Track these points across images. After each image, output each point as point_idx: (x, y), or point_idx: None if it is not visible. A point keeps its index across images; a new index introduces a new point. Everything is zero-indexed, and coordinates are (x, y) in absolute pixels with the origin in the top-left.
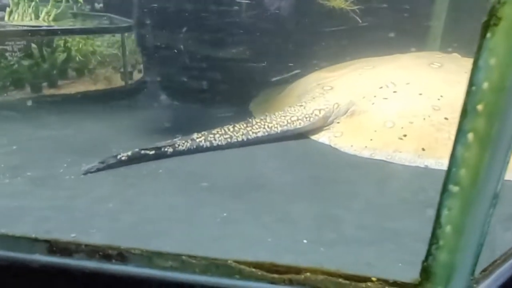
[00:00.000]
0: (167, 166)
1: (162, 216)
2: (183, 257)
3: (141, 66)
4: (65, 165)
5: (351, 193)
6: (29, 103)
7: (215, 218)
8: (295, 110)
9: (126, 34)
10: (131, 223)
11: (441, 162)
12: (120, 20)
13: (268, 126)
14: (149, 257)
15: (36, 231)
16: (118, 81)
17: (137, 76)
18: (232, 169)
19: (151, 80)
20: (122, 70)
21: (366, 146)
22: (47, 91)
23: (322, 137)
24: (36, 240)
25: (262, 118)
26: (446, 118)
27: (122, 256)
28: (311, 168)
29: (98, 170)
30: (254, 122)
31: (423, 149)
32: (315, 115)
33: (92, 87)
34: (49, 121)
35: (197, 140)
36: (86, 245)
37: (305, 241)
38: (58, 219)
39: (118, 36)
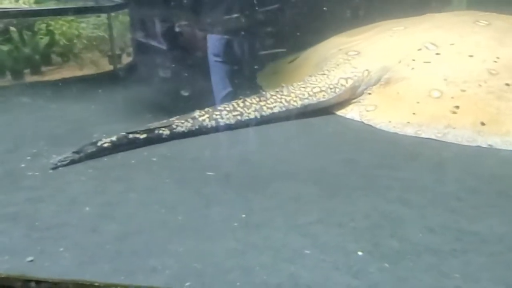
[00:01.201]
0: (162, 153)
1: (158, 222)
2: None
3: (130, 49)
4: (29, 157)
5: (403, 182)
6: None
7: (230, 222)
8: (316, 80)
9: (112, 15)
10: (115, 234)
11: (510, 141)
12: (106, 0)
13: (285, 100)
14: None
15: None
16: (105, 66)
17: (126, 59)
18: (245, 154)
19: (142, 63)
20: (110, 53)
21: (408, 122)
22: (29, 78)
23: (350, 112)
24: None
25: (277, 90)
26: (507, 84)
27: None
28: (345, 150)
29: (73, 162)
30: (268, 96)
31: (483, 124)
32: (341, 85)
33: (78, 73)
34: (18, 105)
35: (200, 118)
36: (37, 282)
37: (360, 253)
38: (10, 234)
39: (104, 18)
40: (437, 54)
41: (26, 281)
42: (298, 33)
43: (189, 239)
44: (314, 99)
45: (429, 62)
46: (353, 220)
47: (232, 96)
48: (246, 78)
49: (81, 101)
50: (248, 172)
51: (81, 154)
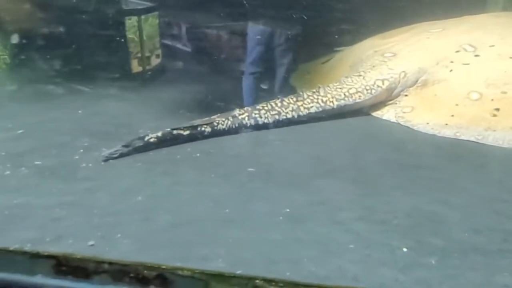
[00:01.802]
0: (205, 149)
1: (207, 214)
2: (257, 281)
3: (159, 51)
4: (82, 150)
5: (444, 183)
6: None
7: (275, 216)
8: (353, 81)
9: (142, 17)
10: (167, 224)
11: None
12: (135, 3)
13: (322, 100)
14: (205, 282)
15: (42, 237)
16: (134, 67)
17: (155, 61)
18: (284, 151)
19: (171, 65)
20: (139, 55)
21: (446, 124)
22: None
23: (387, 113)
24: (37, 255)
25: (314, 91)
26: None
27: (164, 280)
28: (384, 151)
29: (122, 155)
30: (305, 96)
31: None
32: (378, 86)
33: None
34: (62, 101)
35: (239, 117)
36: (110, 263)
37: (405, 249)
38: (72, 220)
39: (134, 20)
40: (476, 56)
41: (99, 263)
42: (333, 35)
43: (237, 231)
44: (351, 100)
45: (468, 64)
46: (396, 217)
47: (259, 77)
48: (281, 77)
49: (119, 100)
50: (289, 169)
51: (130, 148)
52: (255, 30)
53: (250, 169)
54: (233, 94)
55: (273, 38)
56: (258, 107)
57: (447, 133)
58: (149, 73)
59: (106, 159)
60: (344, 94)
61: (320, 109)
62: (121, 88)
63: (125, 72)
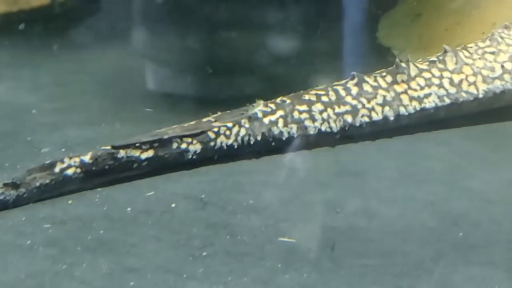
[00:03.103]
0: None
1: None
2: None
3: None
4: None
5: None
6: None
7: None
8: None
9: None
10: None
11: None
12: None
13: (450, 81)
14: None
15: None
16: None
17: None
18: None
19: None
20: None
21: None
22: None
23: None
24: None
25: (432, 60)
26: None
27: None
28: None
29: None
30: (413, 71)
31: None
32: None
33: None
34: None
35: (265, 119)
36: None
37: None
38: None
39: None
40: None
41: None
42: None
43: None
44: None
45: None
46: None
47: None
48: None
49: None
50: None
51: (20, 190)
52: None
53: None
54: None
55: None
56: (307, 96)
57: None
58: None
59: None
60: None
61: (447, 100)
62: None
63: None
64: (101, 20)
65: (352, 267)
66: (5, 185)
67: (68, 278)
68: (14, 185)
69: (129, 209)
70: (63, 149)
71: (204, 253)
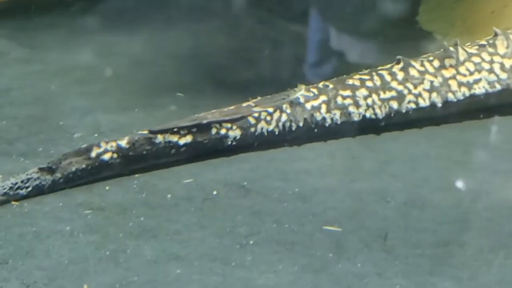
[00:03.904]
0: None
1: None
2: None
3: None
4: None
5: None
6: None
7: None
8: None
9: None
10: None
11: None
12: None
13: (502, 66)
14: None
15: None
16: None
17: None
18: None
19: None
20: None
21: None
22: None
23: None
24: None
25: (482, 44)
26: None
27: None
28: None
29: (38, 189)
30: (462, 55)
31: None
32: None
33: None
34: None
35: (307, 104)
36: None
37: None
38: None
39: None
40: None
41: None
42: None
43: None
44: None
45: None
46: None
47: None
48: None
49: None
50: None
51: (56, 175)
52: None
53: None
54: None
55: None
56: (351, 80)
57: None
58: None
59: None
60: None
61: (498, 86)
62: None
63: None
64: (126, 3)
65: (407, 257)
66: (41, 169)
67: (112, 264)
68: (50, 170)
69: (169, 196)
70: (95, 134)
71: (251, 241)
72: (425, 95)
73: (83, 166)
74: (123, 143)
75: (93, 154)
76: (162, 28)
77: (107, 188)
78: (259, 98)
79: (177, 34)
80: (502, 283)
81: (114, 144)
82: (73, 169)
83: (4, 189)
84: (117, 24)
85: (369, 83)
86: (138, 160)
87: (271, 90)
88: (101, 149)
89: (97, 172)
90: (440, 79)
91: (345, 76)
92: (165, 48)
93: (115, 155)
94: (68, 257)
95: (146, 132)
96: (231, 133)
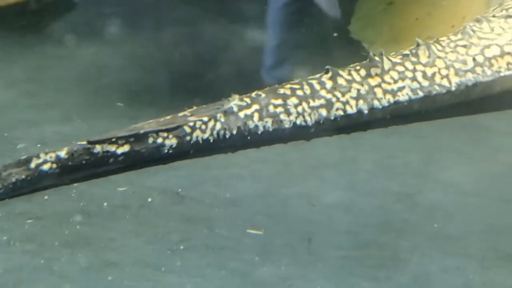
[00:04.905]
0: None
1: None
2: None
3: None
4: None
5: None
6: None
7: None
8: (502, 27)
9: None
10: None
11: None
12: None
13: (424, 74)
14: None
15: None
16: None
17: None
18: None
19: None
20: None
21: None
22: None
23: None
24: None
25: (405, 54)
26: None
27: None
28: None
29: None
30: (386, 65)
31: None
32: None
33: None
34: None
35: (240, 113)
36: None
37: None
38: None
39: None
40: None
41: None
42: None
43: None
44: (496, 71)
45: None
46: None
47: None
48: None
49: None
50: None
51: None
52: None
53: None
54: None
55: None
56: (282, 90)
57: None
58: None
59: None
60: (475, 60)
61: (420, 93)
62: None
63: None
64: (77, 16)
65: (330, 259)
66: None
67: (46, 273)
68: None
69: (105, 204)
70: (39, 145)
71: (181, 247)
72: (352, 102)
73: (23, 176)
74: (62, 153)
75: (33, 165)
76: (113, 41)
77: (46, 197)
78: (194, 107)
79: (127, 46)
80: (417, 281)
81: (53, 154)
82: (13, 180)
83: None
84: (65, 38)
85: (299, 92)
86: (77, 170)
87: (211, 99)
88: (41, 160)
89: (37, 182)
90: (366, 87)
91: (276, 85)
92: (113, 60)
93: (54, 165)
94: (3, 267)
95: (84, 142)
96: (167, 142)
